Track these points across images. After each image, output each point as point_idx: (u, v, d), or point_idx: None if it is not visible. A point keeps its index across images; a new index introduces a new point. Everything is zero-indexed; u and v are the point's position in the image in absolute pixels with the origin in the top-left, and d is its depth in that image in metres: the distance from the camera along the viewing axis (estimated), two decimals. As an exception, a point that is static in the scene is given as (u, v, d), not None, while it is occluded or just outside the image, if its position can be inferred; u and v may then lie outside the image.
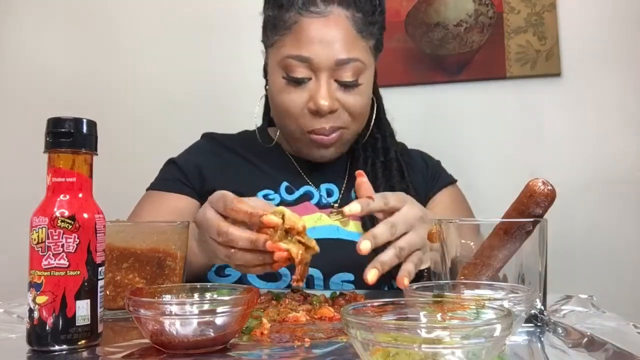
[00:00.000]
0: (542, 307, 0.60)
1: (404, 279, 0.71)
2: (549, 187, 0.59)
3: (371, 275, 0.69)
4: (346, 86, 0.95)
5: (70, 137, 0.53)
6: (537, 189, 0.58)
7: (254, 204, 0.69)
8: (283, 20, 0.95)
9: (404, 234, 0.73)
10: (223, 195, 0.71)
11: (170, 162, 1.08)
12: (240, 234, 0.68)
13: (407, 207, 0.74)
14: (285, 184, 1.03)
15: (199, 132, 1.15)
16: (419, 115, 1.26)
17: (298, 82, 0.94)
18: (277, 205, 0.98)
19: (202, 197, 1.03)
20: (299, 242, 0.68)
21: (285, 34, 0.95)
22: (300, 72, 0.93)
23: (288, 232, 0.67)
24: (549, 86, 1.35)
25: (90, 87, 1.54)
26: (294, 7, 0.94)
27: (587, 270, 1.28)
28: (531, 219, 0.59)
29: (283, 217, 0.66)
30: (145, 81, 1.55)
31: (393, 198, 0.75)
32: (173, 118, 1.52)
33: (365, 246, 0.69)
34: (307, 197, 1.03)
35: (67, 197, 0.52)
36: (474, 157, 1.33)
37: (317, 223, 0.97)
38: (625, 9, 1.32)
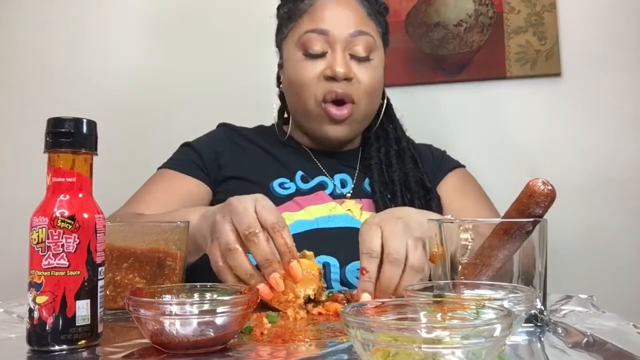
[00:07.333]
0: (542, 307, 0.60)
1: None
2: (549, 187, 0.59)
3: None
4: (359, 60, 1.01)
5: (70, 137, 0.53)
6: (537, 189, 0.58)
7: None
8: (298, 8, 1.04)
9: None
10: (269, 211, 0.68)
11: (187, 145, 1.10)
12: (244, 266, 0.67)
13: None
14: (300, 173, 1.05)
15: (200, 132, 1.15)
16: (419, 115, 1.26)
17: (316, 56, 1.01)
18: (292, 194, 1.01)
19: (215, 184, 1.05)
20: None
21: (301, 17, 1.04)
22: (318, 45, 1.01)
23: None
24: (549, 86, 1.35)
25: (90, 87, 1.54)
26: None
27: (587, 270, 1.28)
28: (531, 219, 0.59)
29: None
30: (146, 81, 1.54)
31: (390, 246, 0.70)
32: (173, 118, 1.52)
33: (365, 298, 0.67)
34: (321, 186, 1.05)
35: (67, 197, 0.52)
36: (474, 157, 1.32)
37: (332, 212, 0.99)
38: (625, 9, 1.32)
